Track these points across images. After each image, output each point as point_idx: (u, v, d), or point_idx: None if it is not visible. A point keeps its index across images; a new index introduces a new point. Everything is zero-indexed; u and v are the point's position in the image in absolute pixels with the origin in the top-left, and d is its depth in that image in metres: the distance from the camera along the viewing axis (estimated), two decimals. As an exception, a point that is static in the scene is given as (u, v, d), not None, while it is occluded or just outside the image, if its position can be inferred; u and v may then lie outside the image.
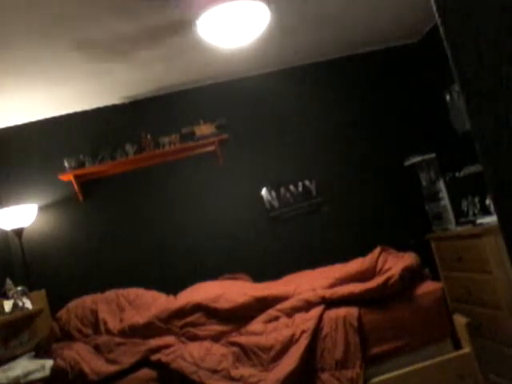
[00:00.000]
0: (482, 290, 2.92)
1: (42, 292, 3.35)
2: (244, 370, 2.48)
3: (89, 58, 2.98)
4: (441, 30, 0.88)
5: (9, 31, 2.47)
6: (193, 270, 3.62)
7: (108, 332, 2.92)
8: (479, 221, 3.04)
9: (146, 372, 2.54)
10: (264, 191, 3.85)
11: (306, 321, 2.60)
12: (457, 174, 3.41)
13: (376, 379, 2.48)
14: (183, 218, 3.77)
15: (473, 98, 0.83)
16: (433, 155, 3.74)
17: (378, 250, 2.99)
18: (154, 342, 2.71)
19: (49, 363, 2.59)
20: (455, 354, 2.54)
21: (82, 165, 3.61)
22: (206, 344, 2.69)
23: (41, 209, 3.62)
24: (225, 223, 3.78)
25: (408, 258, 2.80)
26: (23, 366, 2.57)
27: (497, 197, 0.83)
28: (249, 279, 3.48)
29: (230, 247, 3.74)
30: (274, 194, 3.85)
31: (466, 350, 2.55)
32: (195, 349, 2.62)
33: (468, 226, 3.12)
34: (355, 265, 2.99)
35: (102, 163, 3.62)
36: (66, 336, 2.97)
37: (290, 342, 2.53)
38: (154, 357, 2.58)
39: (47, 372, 2.54)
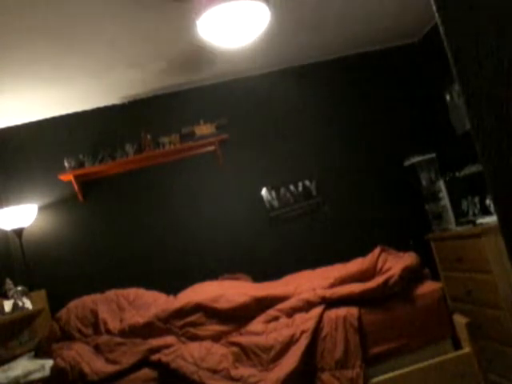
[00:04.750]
0: (481, 289, 2.92)
1: (42, 292, 3.35)
2: (244, 370, 2.48)
3: (89, 57, 2.98)
4: (441, 30, 0.88)
5: (9, 31, 2.47)
6: (193, 270, 3.62)
7: (108, 332, 2.92)
8: (479, 221, 3.04)
9: (146, 372, 2.54)
10: (264, 191, 3.85)
11: (306, 321, 2.61)
12: (457, 174, 3.41)
13: (376, 379, 2.48)
14: (183, 218, 3.77)
15: (473, 97, 0.82)
16: (433, 155, 3.74)
17: (377, 249, 2.99)
18: (154, 342, 2.71)
19: (49, 363, 2.59)
20: (455, 354, 2.54)
21: (81, 165, 3.61)
22: (206, 344, 2.69)
23: (41, 209, 3.62)
24: (225, 223, 3.78)
25: (408, 258, 2.80)
26: (23, 365, 2.57)
27: (497, 197, 0.83)
28: (249, 279, 3.48)
29: (229, 247, 3.74)
30: (274, 193, 3.85)
31: (466, 350, 2.55)
32: (195, 349, 2.62)
33: (468, 226, 3.12)
34: (355, 265, 2.99)
35: (102, 163, 3.61)
36: (66, 336, 2.97)
37: (290, 341, 2.53)
38: (154, 357, 2.58)
39: (47, 372, 2.54)
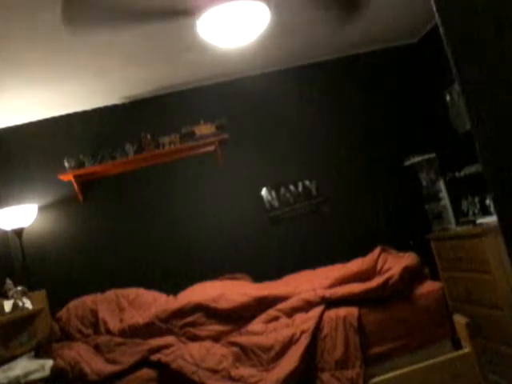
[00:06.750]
0: (481, 289, 2.92)
1: (42, 292, 3.35)
2: (244, 370, 2.48)
3: (89, 57, 2.98)
4: (441, 30, 0.88)
5: (9, 31, 2.47)
6: (193, 270, 3.61)
7: (108, 332, 2.92)
8: (479, 221, 3.04)
9: (146, 372, 2.54)
10: (264, 191, 3.85)
11: (305, 321, 2.60)
12: (457, 174, 3.40)
13: (376, 379, 2.48)
14: (183, 218, 3.77)
15: (473, 98, 0.83)
16: (433, 155, 3.74)
17: (378, 249, 2.99)
18: (154, 342, 2.71)
19: (49, 363, 2.59)
20: (455, 353, 2.54)
21: (82, 165, 3.61)
22: (206, 344, 2.69)
23: (41, 209, 3.62)
24: (225, 223, 3.78)
25: (408, 258, 2.80)
26: (23, 366, 2.57)
27: (497, 197, 0.83)
28: (249, 279, 3.48)
29: (230, 247, 3.73)
30: (274, 193, 3.85)
31: (466, 350, 2.54)
32: (195, 349, 2.62)
33: (468, 226, 3.12)
34: (355, 265, 2.99)
35: (102, 163, 3.62)
36: (66, 336, 2.97)
37: (290, 342, 2.53)
38: (154, 357, 2.58)
39: (47, 372, 2.54)
